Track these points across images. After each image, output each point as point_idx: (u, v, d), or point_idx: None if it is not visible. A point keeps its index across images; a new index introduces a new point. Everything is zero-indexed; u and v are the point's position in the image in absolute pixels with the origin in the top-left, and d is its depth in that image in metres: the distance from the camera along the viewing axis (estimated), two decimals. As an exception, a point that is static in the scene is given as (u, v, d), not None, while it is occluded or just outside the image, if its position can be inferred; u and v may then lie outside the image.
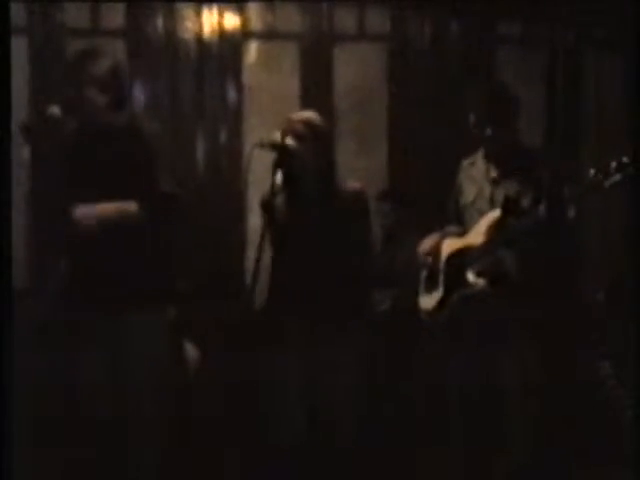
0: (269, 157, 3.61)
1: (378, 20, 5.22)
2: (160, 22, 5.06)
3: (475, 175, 4.01)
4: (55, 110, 3.83)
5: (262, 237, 3.45)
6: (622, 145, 4.67)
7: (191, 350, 4.36)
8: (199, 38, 5.09)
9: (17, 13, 4.71)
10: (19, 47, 4.89)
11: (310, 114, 3.84)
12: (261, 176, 4.57)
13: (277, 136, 3.70)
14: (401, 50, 5.20)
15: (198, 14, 5.10)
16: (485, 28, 5.21)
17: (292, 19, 5.19)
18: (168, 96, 5.05)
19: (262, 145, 3.63)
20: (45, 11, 5.00)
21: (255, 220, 4.96)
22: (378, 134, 5.17)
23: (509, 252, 3.76)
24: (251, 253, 4.82)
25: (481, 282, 3.76)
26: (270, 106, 5.18)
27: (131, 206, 3.69)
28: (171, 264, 3.93)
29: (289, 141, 3.68)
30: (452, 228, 4.11)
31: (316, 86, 5.17)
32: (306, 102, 5.11)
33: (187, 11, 5.10)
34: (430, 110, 5.18)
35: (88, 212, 3.66)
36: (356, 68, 5.22)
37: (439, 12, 5.18)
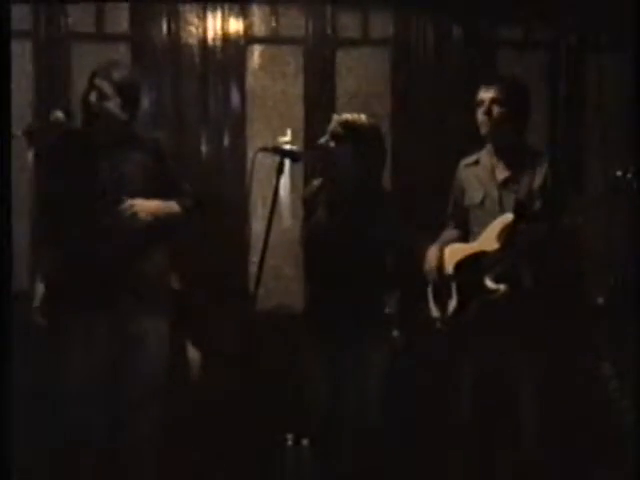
0: (273, 162, 3.63)
1: (381, 25, 5.22)
2: (164, 26, 5.07)
3: (480, 175, 3.97)
4: (59, 115, 3.86)
5: (265, 241, 3.46)
6: (625, 149, 4.70)
7: (193, 353, 4.37)
8: (203, 43, 5.09)
9: (21, 17, 4.72)
10: (23, 51, 4.90)
11: (353, 116, 3.87)
12: (265, 180, 4.60)
13: (281, 140, 3.74)
14: (404, 55, 5.20)
15: (202, 19, 5.10)
16: (487, 32, 5.20)
17: (296, 24, 5.19)
18: (172, 100, 5.06)
19: (266, 150, 3.66)
20: (49, 15, 5.01)
21: (258, 224, 4.99)
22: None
23: (521, 257, 3.73)
24: (254, 257, 4.82)
25: (502, 287, 3.73)
26: (274, 110, 5.19)
27: (173, 206, 3.81)
28: (177, 266, 3.97)
29: (330, 142, 3.75)
30: (450, 233, 4.08)
31: (320, 90, 5.17)
32: (310, 106, 5.12)
33: (191, 15, 5.10)
34: (433, 114, 5.17)
35: (144, 206, 3.72)
36: (359, 72, 5.22)
37: (442, 17, 5.17)
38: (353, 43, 5.23)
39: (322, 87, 5.18)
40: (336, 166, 3.81)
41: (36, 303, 3.77)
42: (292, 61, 5.21)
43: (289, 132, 4.87)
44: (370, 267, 3.78)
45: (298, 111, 5.17)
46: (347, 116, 3.87)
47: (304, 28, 5.18)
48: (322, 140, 3.83)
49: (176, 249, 3.98)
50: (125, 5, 5.08)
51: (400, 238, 3.80)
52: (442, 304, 3.93)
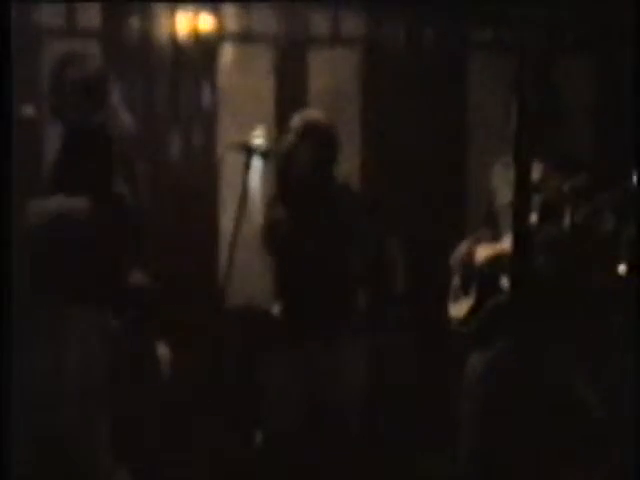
0: (241, 159, 3.65)
1: (352, 24, 5.26)
2: (136, 23, 5.07)
3: (512, 177, 3.93)
4: (28, 110, 3.85)
5: (234, 237, 3.48)
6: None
7: (162, 349, 4.37)
8: (174, 39, 5.11)
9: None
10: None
11: (314, 113, 3.89)
12: (236, 176, 4.61)
13: (252, 137, 3.75)
14: (375, 54, 5.25)
15: (174, 15, 5.11)
16: (458, 33, 5.25)
17: (267, 21, 5.21)
18: (143, 97, 5.06)
19: (235, 147, 3.68)
20: (22, 11, 4.99)
21: (226, 221, 5.00)
22: (351, 137, 5.21)
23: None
24: (223, 253, 4.83)
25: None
26: (244, 108, 5.21)
27: (80, 202, 3.68)
28: (126, 263, 3.92)
29: (291, 139, 3.74)
30: (484, 231, 4.04)
31: (290, 89, 5.20)
32: (280, 104, 5.14)
33: (163, 12, 5.11)
34: (403, 113, 5.21)
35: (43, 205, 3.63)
36: (330, 71, 5.26)
37: (413, 17, 5.21)
38: (324, 42, 5.26)
39: (293, 85, 5.21)
40: (297, 164, 3.80)
41: None
42: (263, 59, 5.23)
43: (260, 129, 4.88)
44: (335, 266, 3.78)
45: (269, 108, 5.19)
46: (310, 114, 3.88)
47: (276, 26, 5.20)
48: (289, 138, 3.81)
49: (145, 244, 3.96)
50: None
51: (365, 237, 3.80)
52: (460, 302, 3.94)
